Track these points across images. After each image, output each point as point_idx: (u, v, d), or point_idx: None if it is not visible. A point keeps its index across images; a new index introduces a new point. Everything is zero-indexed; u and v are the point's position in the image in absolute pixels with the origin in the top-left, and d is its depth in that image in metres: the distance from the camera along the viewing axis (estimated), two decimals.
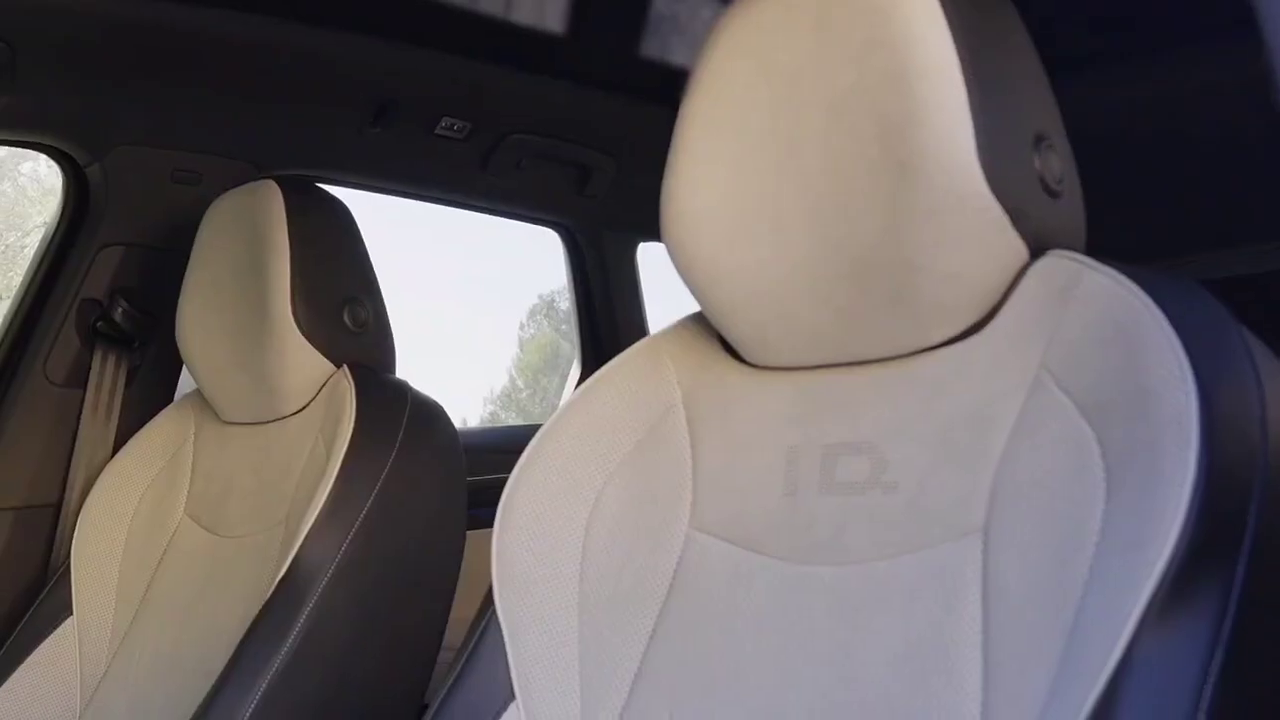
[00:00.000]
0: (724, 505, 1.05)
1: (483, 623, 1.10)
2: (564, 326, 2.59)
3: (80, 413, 1.92)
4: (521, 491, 1.12)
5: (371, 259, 1.74)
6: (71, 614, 1.72)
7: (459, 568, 1.59)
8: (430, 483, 1.55)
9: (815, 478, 1.00)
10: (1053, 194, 0.97)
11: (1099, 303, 0.88)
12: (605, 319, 2.55)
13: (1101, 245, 0.97)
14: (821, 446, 1.01)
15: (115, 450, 1.89)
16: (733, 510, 1.04)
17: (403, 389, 1.61)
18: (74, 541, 1.77)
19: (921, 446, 0.95)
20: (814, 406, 1.03)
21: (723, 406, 1.08)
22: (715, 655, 1.00)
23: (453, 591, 1.58)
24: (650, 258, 2.55)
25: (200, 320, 1.73)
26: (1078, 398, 0.87)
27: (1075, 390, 0.87)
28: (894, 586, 0.92)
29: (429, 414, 1.61)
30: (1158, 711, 0.74)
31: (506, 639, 1.08)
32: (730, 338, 1.08)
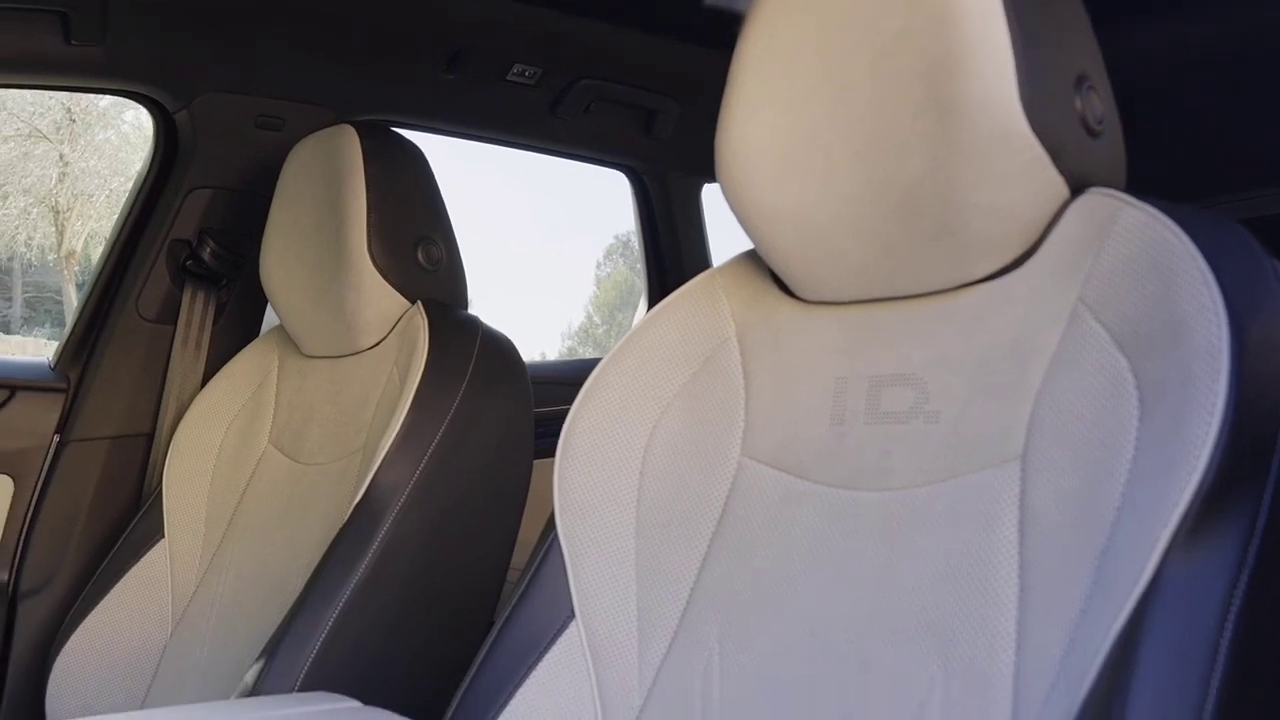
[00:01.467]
0: (774, 434, 1.07)
1: (545, 546, 1.13)
2: (638, 265, 2.60)
3: (171, 347, 1.98)
4: (582, 421, 1.15)
5: (446, 200, 1.77)
6: (163, 536, 1.77)
7: (526, 494, 1.62)
8: (499, 413, 1.59)
9: (861, 408, 1.02)
10: (1093, 133, 0.97)
11: (1135, 237, 0.89)
12: (671, 258, 2.57)
13: (1142, 184, 0.98)
14: (868, 378, 1.02)
15: (204, 383, 1.94)
16: (783, 439, 1.06)
17: (474, 323, 1.64)
18: (165, 468, 1.83)
19: (962, 378, 0.96)
20: (860, 340, 1.04)
21: (774, 340, 1.10)
22: (764, 576, 1.02)
23: (520, 516, 1.62)
24: (717, 198, 2.56)
25: (282, 259, 1.77)
26: (1114, 330, 0.88)
27: (1111, 322, 0.88)
28: (935, 511, 0.94)
29: (499, 347, 1.63)
30: (1184, 631, 0.75)
31: (567, 561, 1.11)
32: (781, 273, 1.10)
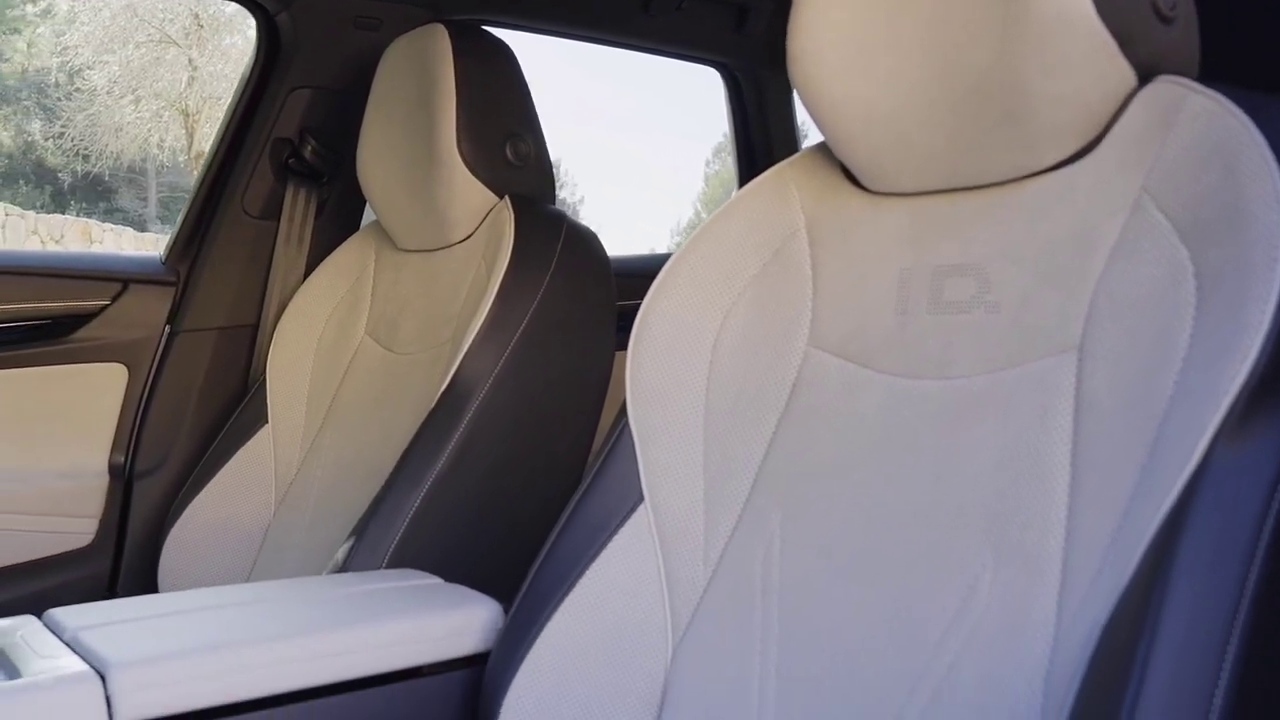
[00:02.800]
0: (840, 324, 1.06)
1: (616, 431, 1.15)
2: None
3: (275, 242, 2.02)
4: (656, 311, 1.15)
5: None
6: (267, 422, 1.83)
7: (608, 385, 1.64)
8: (582, 305, 1.59)
9: (924, 298, 1.01)
10: (1165, 19, 0.93)
11: (1200, 125, 0.86)
12: (762, 154, 2.55)
13: (1219, 72, 0.94)
14: (931, 268, 1.01)
15: (306, 276, 1.98)
16: (848, 329, 1.06)
17: (559, 218, 1.65)
18: (269, 358, 1.88)
19: (1024, 268, 0.95)
20: (925, 230, 1.03)
21: (842, 231, 1.09)
22: (825, 462, 1.02)
23: (601, 406, 1.63)
24: None
25: (378, 156, 1.79)
26: (1175, 219, 0.86)
27: (1173, 211, 0.86)
28: (993, 399, 0.93)
29: (583, 241, 1.64)
30: (1230, 514, 0.74)
31: (637, 446, 1.12)
32: (850, 165, 1.08)
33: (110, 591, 1.89)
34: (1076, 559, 0.84)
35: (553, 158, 1.79)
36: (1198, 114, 0.86)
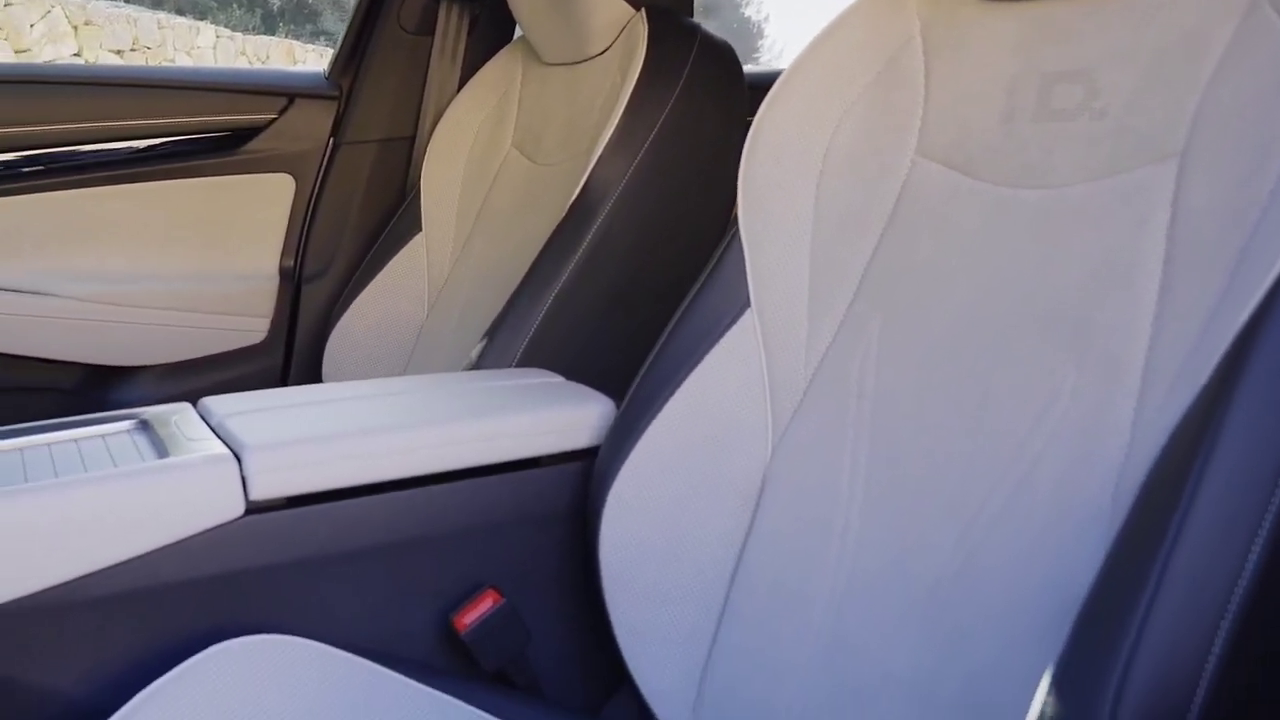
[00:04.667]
0: (948, 132, 1.02)
1: (727, 238, 1.13)
2: None
3: (430, 58, 2.02)
4: (770, 119, 1.12)
5: None
6: (421, 230, 1.86)
7: (735, 196, 1.61)
8: (712, 116, 1.56)
9: (1031, 104, 0.96)
10: None
11: None
12: None
13: None
14: (1040, 74, 0.96)
15: (459, 90, 1.98)
16: (955, 136, 1.01)
17: (693, 30, 1.60)
18: (423, 169, 1.90)
19: (1132, 73, 0.89)
20: (1036, 37, 0.97)
21: (955, 38, 1.04)
22: (924, 270, 0.99)
23: (727, 217, 1.61)
24: None
25: None
26: None
27: None
28: (1091, 208, 0.89)
29: (717, 53, 1.60)
30: None
31: (747, 253, 1.11)
32: None
33: (282, 384, 1.98)
34: (1157, 368, 0.80)
35: None
36: None
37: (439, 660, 1.12)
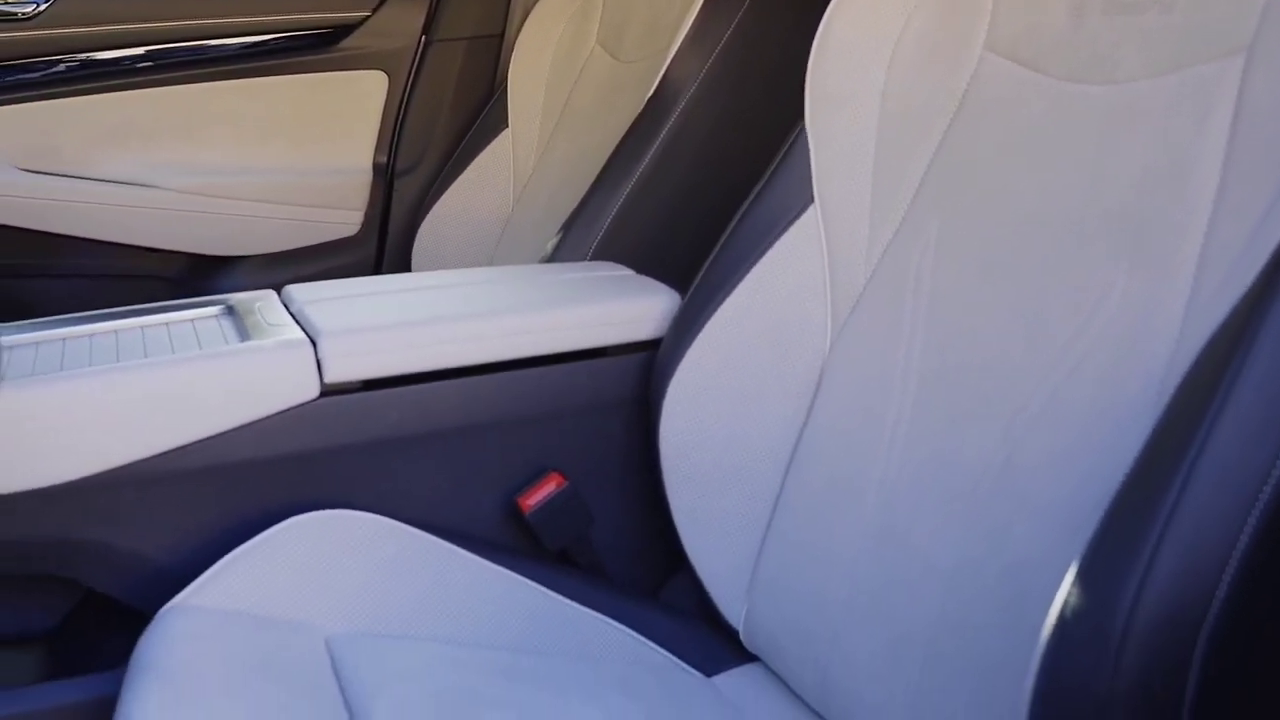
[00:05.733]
0: (1015, 25, 0.99)
1: (794, 134, 1.11)
2: None
3: None
4: (839, 16, 1.10)
5: None
6: (507, 126, 1.86)
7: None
8: (785, 16, 1.52)
9: None
10: None
11: None
12: None
13: None
14: None
15: None
16: (1023, 29, 0.98)
17: None
18: (511, 65, 1.90)
19: None
20: None
21: None
22: (986, 168, 0.97)
23: (798, 117, 1.58)
24: None
25: None
26: None
27: None
28: (1153, 104, 0.86)
29: None
30: None
31: (812, 150, 1.09)
32: None
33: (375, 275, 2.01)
34: (1208, 268, 0.78)
35: None
36: None
37: (504, 540, 1.14)
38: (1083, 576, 0.68)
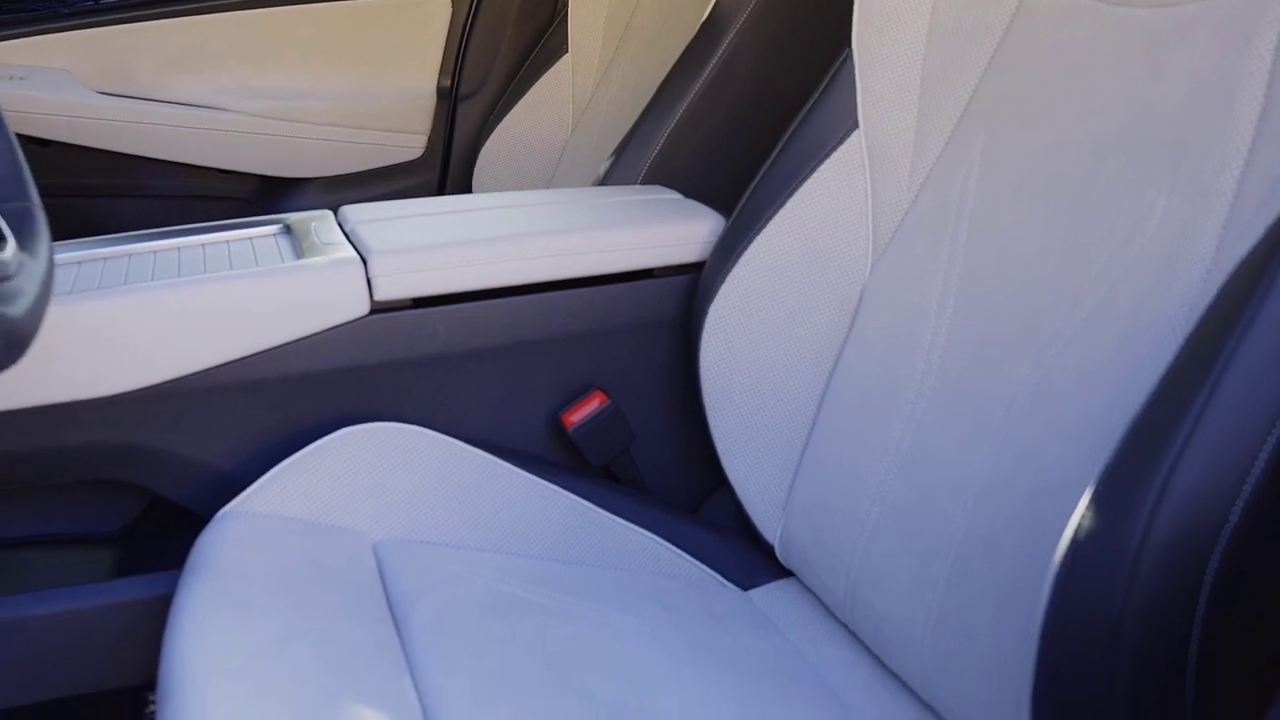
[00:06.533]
0: None
1: (840, 60, 1.10)
2: None
3: None
4: None
5: None
6: (567, 51, 1.85)
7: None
8: None
9: None
10: None
11: None
12: None
13: None
14: None
15: None
16: None
17: None
18: None
19: None
20: None
21: None
22: (1032, 90, 0.95)
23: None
24: None
25: None
26: None
27: None
28: (1200, 27, 0.83)
29: None
30: None
31: (858, 74, 1.07)
32: None
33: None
34: (1246, 193, 0.76)
35: None
36: None
37: (548, 456, 1.16)
38: (1099, 496, 0.67)
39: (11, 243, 0.62)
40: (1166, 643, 0.64)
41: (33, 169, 1.76)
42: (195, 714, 0.69)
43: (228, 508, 0.95)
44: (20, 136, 1.76)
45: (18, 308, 0.57)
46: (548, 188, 1.83)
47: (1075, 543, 0.68)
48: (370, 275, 1.03)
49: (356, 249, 1.07)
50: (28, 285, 0.60)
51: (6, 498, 1.11)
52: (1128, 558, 0.64)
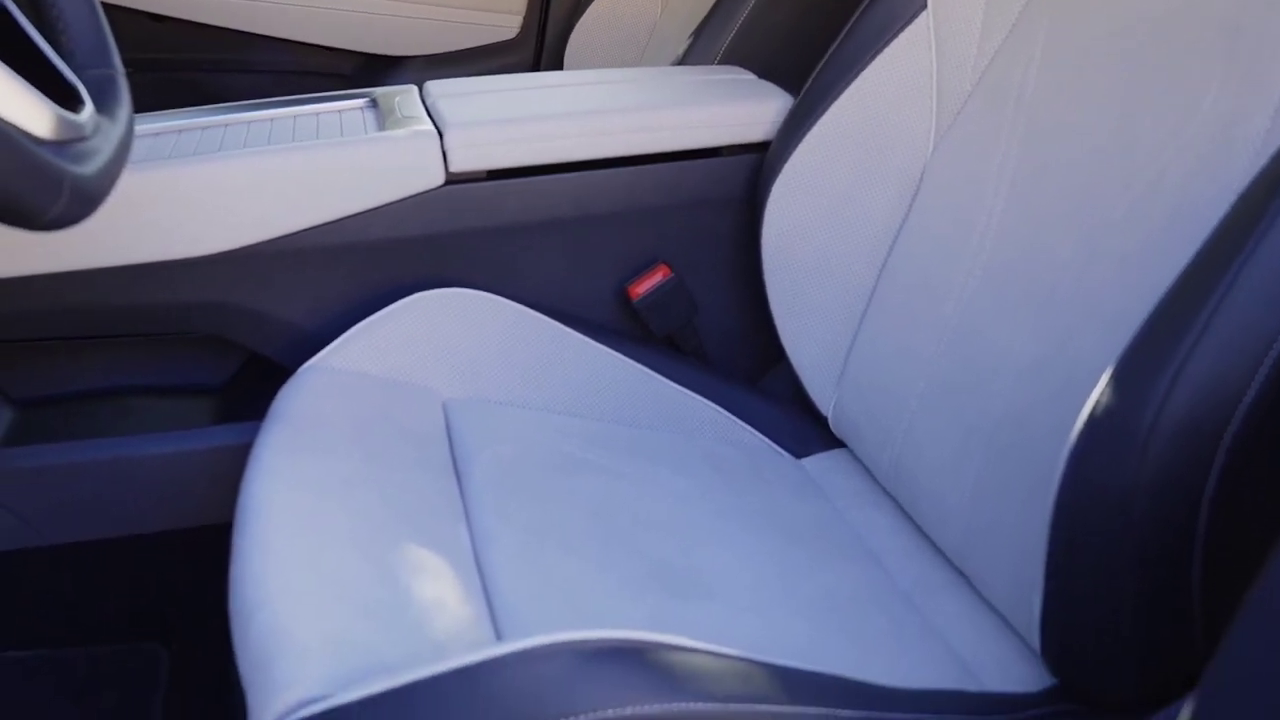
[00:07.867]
0: None
1: None
2: None
3: None
4: None
5: None
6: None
7: None
8: None
9: None
10: None
11: None
12: None
13: None
14: None
15: None
16: None
17: None
18: None
19: None
20: None
21: None
22: (1068, 83, 0.92)
23: None
24: None
25: None
26: None
27: None
28: None
29: None
30: None
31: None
32: None
33: None
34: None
35: None
36: None
37: (613, 325, 1.17)
38: (1118, 375, 0.67)
39: (89, 106, 0.65)
40: (1175, 514, 0.64)
41: (147, 43, 1.81)
42: (263, 543, 0.73)
43: (309, 363, 0.99)
44: (136, 12, 1.81)
45: (90, 167, 0.59)
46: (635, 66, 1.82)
47: (1092, 419, 0.67)
48: (445, 148, 1.05)
49: (434, 122, 1.08)
50: (103, 146, 0.63)
51: (129, 349, 1.16)
52: (1141, 434, 0.64)
